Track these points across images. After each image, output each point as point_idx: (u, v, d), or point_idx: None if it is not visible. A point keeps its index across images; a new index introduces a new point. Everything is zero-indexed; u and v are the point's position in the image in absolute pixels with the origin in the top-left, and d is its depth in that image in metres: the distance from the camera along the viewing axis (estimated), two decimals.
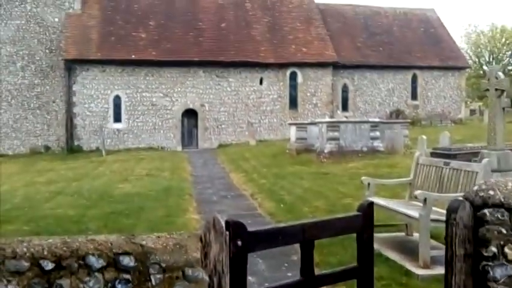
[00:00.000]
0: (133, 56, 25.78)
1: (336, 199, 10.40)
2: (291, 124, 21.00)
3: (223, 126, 27.37)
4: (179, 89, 26.73)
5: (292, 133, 20.17)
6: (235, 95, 27.49)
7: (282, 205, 10.09)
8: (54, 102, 26.45)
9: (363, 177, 6.96)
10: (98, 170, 18.18)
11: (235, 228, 2.55)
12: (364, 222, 3.19)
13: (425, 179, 6.83)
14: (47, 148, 26.40)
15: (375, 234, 7.08)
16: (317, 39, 29.15)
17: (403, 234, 7.15)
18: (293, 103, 28.43)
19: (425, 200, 5.58)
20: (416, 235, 6.99)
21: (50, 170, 18.80)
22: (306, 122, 21.77)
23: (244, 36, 28.20)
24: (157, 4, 28.40)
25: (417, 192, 5.73)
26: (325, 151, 16.94)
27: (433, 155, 13.21)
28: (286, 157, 19.13)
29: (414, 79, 32.04)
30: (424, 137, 17.46)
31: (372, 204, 3.29)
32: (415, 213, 5.75)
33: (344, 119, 19.80)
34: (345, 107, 29.76)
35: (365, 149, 17.18)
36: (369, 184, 6.91)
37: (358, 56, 30.27)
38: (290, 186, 12.47)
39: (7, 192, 13.84)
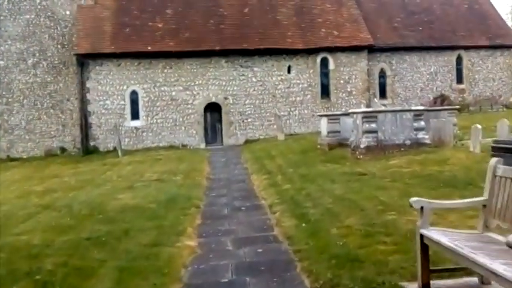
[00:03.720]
0: (149, 48, 23.87)
1: (374, 213, 8.05)
2: (321, 116, 18.65)
3: (249, 120, 25.17)
4: (200, 81, 24.66)
5: (323, 126, 17.83)
6: (261, 86, 25.22)
7: (304, 224, 7.82)
8: (68, 100, 24.86)
9: (413, 199, 4.61)
10: (105, 174, 16.35)
11: None
12: None
13: (510, 201, 4.44)
14: (63, 150, 24.89)
15: (436, 282, 4.79)
16: (349, 21, 26.50)
17: (475, 280, 4.79)
18: (325, 92, 25.95)
19: None
20: (496, 285, 4.62)
21: (55, 176, 17.12)
22: (338, 112, 19.38)
23: (269, 21, 25.84)
24: None
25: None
26: (362, 146, 14.53)
27: (495, 150, 10.66)
28: (317, 153, 16.81)
29: (459, 61, 28.98)
30: (479, 126, 14.91)
31: None
32: (507, 272, 3.40)
33: (382, 108, 17.27)
34: (382, 94, 27.05)
35: (408, 142, 14.69)
36: (422, 209, 4.56)
37: (395, 37, 27.46)
38: (318, 194, 10.18)
39: None
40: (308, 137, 21.45)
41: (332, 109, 24.65)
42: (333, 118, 17.62)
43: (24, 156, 24.43)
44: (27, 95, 24.71)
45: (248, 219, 9.00)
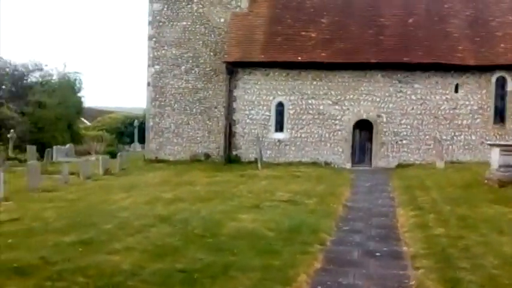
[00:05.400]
0: (299, 58, 22.54)
1: None
2: (492, 145, 15.49)
3: (404, 142, 22.47)
4: (351, 96, 22.66)
5: (494, 157, 14.71)
6: (421, 105, 22.37)
7: None
8: (216, 108, 24.66)
9: None
10: (237, 188, 15.29)
11: None
12: None
13: None
14: (207, 156, 24.73)
15: None
16: None
17: None
18: (499, 117, 22.17)
19: None
20: None
21: (190, 184, 16.56)
22: None
23: (436, 33, 22.87)
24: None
25: None
26: None
27: None
28: (483, 190, 13.83)
29: None
30: None
31: None
32: None
33: None
34: None
35: None
36: None
37: None
38: (479, 249, 7.72)
39: (118, 210, 11.70)
40: (473, 168, 18.21)
41: (507, 138, 20.90)
42: (507, 149, 14.45)
43: (171, 159, 24.78)
44: (178, 99, 25.08)
45: (380, 273, 6.95)
